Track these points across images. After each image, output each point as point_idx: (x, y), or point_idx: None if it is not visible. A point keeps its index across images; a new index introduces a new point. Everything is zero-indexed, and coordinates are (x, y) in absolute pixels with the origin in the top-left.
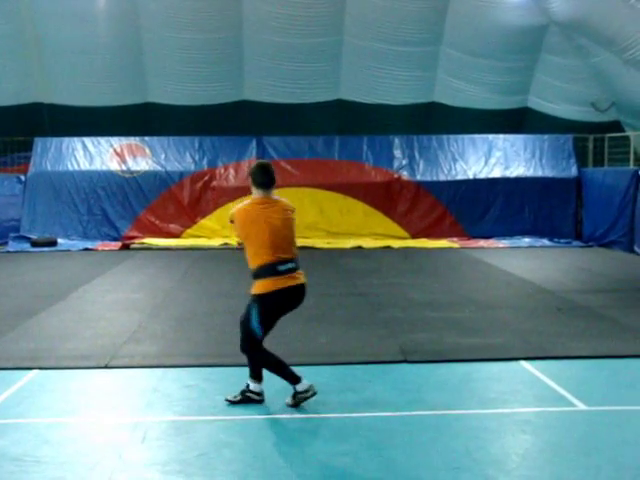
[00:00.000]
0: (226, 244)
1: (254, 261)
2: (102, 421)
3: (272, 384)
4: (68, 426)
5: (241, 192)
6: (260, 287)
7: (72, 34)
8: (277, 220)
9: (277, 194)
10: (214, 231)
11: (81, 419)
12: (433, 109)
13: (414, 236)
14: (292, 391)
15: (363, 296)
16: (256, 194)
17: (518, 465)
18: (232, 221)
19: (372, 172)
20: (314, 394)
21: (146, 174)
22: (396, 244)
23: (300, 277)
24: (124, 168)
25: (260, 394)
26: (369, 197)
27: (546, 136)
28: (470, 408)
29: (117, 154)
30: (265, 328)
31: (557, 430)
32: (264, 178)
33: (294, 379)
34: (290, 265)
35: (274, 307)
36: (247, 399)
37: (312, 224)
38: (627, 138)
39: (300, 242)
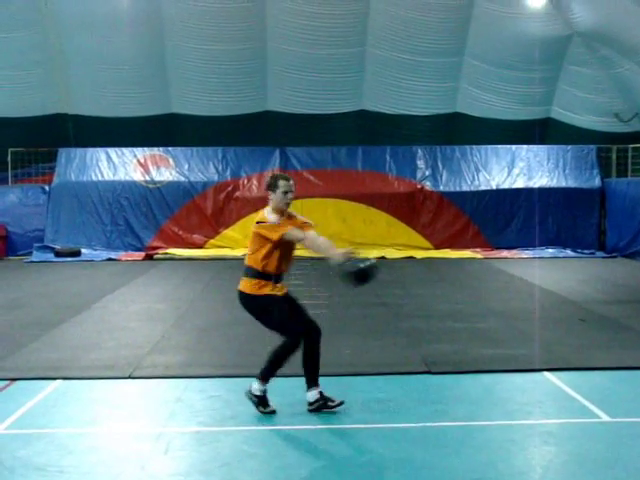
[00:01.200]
0: None
1: None
2: (125, 431)
3: (293, 394)
4: (91, 436)
5: (264, 202)
6: None
7: (96, 45)
8: None
9: (301, 204)
10: (237, 241)
11: (104, 429)
12: (456, 119)
13: (437, 247)
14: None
15: (386, 306)
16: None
17: (542, 477)
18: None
19: (395, 182)
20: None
21: (169, 184)
22: (419, 255)
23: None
24: (148, 179)
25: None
26: (392, 207)
27: (569, 147)
28: (493, 419)
29: (141, 165)
30: None
31: (581, 442)
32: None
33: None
34: None
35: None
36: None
37: (335, 234)
38: None
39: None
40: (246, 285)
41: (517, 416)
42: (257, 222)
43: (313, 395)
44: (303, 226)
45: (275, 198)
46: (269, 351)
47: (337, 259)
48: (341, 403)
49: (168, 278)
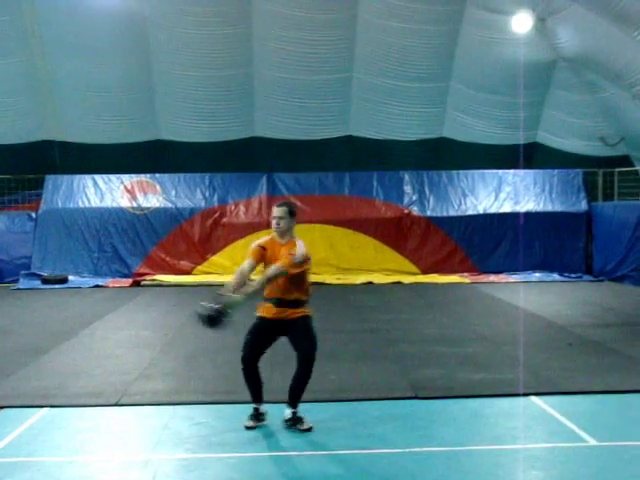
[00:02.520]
0: None
1: (307, 293)
2: (113, 459)
3: (278, 421)
4: (78, 464)
5: (251, 228)
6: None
7: (83, 72)
8: None
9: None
10: (225, 267)
11: (92, 457)
12: (442, 144)
13: (425, 271)
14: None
15: (373, 332)
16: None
17: None
18: (308, 258)
19: (382, 208)
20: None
21: (157, 211)
22: (407, 280)
23: None
24: (135, 205)
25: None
26: (379, 233)
27: (556, 171)
28: (481, 444)
29: (128, 191)
30: None
31: (568, 466)
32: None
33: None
34: None
35: None
36: None
37: (323, 260)
38: (637, 172)
39: (311, 278)
40: None
41: (504, 441)
42: None
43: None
44: (280, 256)
45: None
46: None
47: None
48: (310, 429)
49: (155, 305)
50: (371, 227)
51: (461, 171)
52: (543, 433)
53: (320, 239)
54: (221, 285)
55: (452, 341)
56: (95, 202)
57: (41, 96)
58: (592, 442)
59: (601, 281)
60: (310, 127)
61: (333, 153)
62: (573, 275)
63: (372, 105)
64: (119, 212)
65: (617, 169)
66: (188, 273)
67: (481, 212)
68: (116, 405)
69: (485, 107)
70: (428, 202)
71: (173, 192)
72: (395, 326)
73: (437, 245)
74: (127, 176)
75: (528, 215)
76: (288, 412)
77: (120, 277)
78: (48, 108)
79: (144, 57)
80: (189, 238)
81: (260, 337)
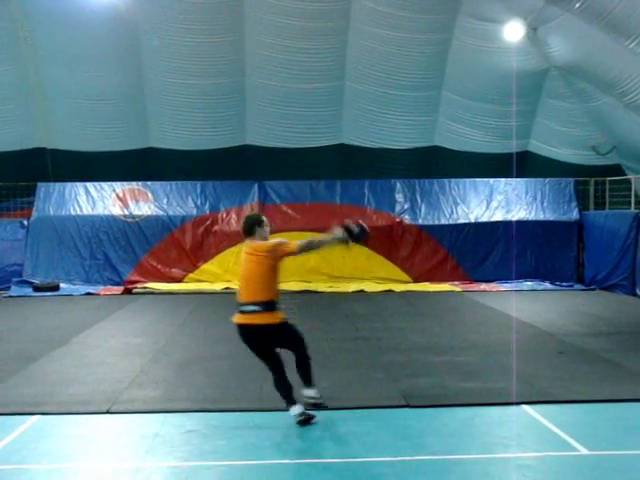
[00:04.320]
0: (228, 288)
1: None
2: (103, 467)
3: (273, 429)
4: (69, 472)
5: (243, 236)
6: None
7: (74, 80)
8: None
9: (278, 238)
10: (216, 275)
11: (82, 465)
12: (434, 153)
13: (416, 280)
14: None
15: (365, 340)
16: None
17: None
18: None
19: (374, 216)
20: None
21: (148, 219)
22: (398, 288)
23: (253, 318)
24: (126, 213)
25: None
26: (371, 241)
27: (547, 180)
28: (471, 453)
29: (119, 199)
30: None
31: (559, 475)
32: (242, 228)
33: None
34: (248, 307)
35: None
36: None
37: (314, 268)
38: (628, 181)
39: (302, 286)
40: None
41: (496, 449)
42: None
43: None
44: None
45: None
46: None
47: (338, 234)
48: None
49: (147, 312)
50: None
51: (453, 179)
52: (534, 442)
53: None
54: (212, 293)
55: (443, 350)
56: (87, 210)
57: (33, 104)
58: (583, 451)
59: (592, 290)
60: (302, 135)
61: (324, 161)
62: (564, 284)
63: (364, 113)
64: (111, 220)
65: (609, 178)
66: (179, 281)
67: (473, 221)
68: (107, 413)
69: (477, 116)
70: (420, 210)
71: (165, 200)
72: (386, 334)
73: (428, 253)
74: (119, 184)
75: (520, 224)
76: (311, 391)
77: (111, 285)
78: (40, 116)
79: (136, 65)
80: (180, 246)
81: None
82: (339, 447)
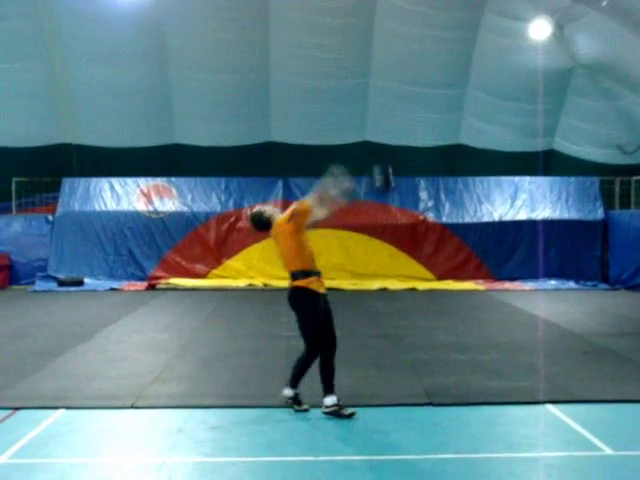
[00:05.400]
0: (251, 285)
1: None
2: (127, 462)
3: (293, 426)
4: (93, 467)
5: (267, 233)
6: None
7: (101, 76)
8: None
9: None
10: (240, 272)
11: (107, 459)
12: (459, 151)
13: (440, 278)
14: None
15: (388, 338)
16: None
17: None
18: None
19: (398, 214)
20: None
21: (172, 215)
22: (421, 286)
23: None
24: (151, 209)
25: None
26: (395, 239)
27: (572, 178)
28: (495, 452)
29: (144, 195)
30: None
31: (583, 475)
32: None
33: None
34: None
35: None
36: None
37: (338, 265)
38: None
39: (326, 283)
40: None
41: (519, 449)
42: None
43: (331, 400)
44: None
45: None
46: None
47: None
48: (353, 414)
49: (171, 308)
50: (386, 233)
51: (477, 177)
52: (558, 442)
53: (335, 245)
54: (236, 289)
55: (467, 348)
56: (111, 205)
57: (59, 100)
58: (608, 451)
59: (617, 289)
60: (326, 132)
61: (349, 158)
62: (589, 283)
63: (388, 111)
64: (135, 216)
65: (634, 177)
66: (203, 277)
67: (497, 219)
68: (132, 408)
69: (502, 114)
70: (444, 208)
71: (189, 196)
72: (410, 332)
73: (452, 252)
74: (143, 180)
75: (544, 222)
76: (290, 392)
77: (135, 280)
78: (65, 111)
79: (161, 62)
80: (204, 242)
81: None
82: (362, 445)
